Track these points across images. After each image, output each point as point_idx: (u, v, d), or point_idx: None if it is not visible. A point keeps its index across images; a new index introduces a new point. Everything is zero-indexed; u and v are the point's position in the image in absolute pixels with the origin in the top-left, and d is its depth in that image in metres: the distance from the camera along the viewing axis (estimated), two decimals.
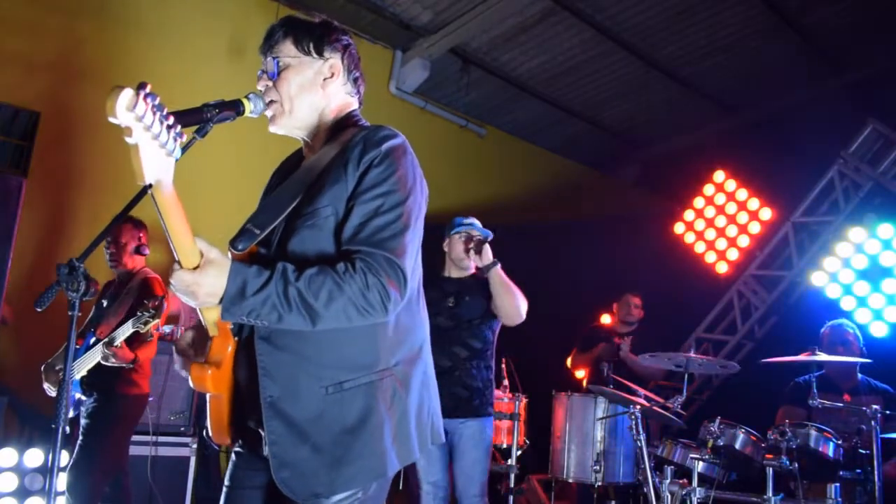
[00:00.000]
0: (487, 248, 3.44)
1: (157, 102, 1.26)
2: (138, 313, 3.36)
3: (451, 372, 3.46)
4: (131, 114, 1.21)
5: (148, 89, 1.24)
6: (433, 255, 3.86)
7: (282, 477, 1.55)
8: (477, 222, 3.65)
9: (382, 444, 1.58)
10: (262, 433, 1.59)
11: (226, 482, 1.74)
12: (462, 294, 3.56)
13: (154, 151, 1.29)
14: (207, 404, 1.67)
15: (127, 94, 1.20)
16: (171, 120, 1.31)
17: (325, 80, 1.77)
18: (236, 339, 1.64)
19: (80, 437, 3.60)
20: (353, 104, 1.84)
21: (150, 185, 1.31)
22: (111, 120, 1.21)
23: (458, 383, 3.45)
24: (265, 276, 1.47)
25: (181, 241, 1.41)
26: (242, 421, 1.68)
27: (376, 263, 1.52)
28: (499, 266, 3.42)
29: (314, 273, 1.49)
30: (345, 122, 1.78)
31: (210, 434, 1.70)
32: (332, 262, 1.53)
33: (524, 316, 3.47)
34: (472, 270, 3.63)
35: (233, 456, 1.75)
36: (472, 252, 3.47)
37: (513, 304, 3.41)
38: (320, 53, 1.77)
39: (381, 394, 1.60)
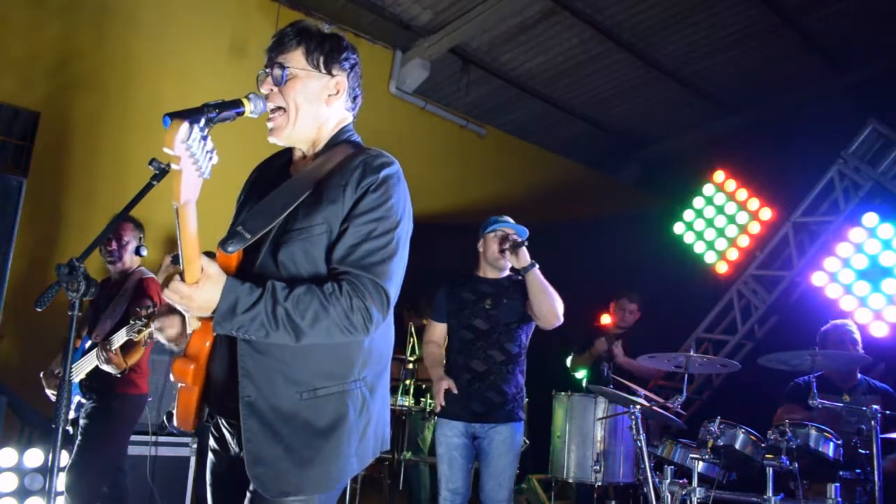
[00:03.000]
0: (524, 250, 3.35)
1: (205, 133, 1.33)
2: (131, 321, 3.33)
3: (486, 376, 3.39)
4: (184, 145, 1.27)
5: (202, 122, 1.32)
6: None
7: (256, 473, 1.61)
8: (511, 220, 3.57)
9: (348, 450, 1.67)
10: (223, 425, 1.71)
11: (209, 480, 1.81)
12: (499, 296, 3.48)
13: (192, 175, 1.34)
14: (177, 393, 1.73)
15: (185, 128, 1.26)
16: (211, 146, 1.36)
17: (329, 96, 1.79)
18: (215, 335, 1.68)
19: (79, 437, 3.58)
20: (349, 119, 1.88)
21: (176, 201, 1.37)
22: (165, 150, 1.27)
23: (493, 388, 3.38)
24: (256, 294, 1.53)
25: (190, 255, 1.47)
26: (211, 412, 1.76)
27: (362, 286, 1.60)
28: (536, 268, 3.33)
29: (302, 293, 1.56)
30: (339, 137, 1.82)
31: (175, 421, 1.76)
32: (319, 281, 1.60)
33: (562, 319, 3.37)
34: (508, 271, 3.56)
35: (210, 454, 1.82)
36: (507, 253, 3.40)
37: (551, 307, 3.33)
38: (329, 70, 1.78)
39: (353, 402, 1.68)
